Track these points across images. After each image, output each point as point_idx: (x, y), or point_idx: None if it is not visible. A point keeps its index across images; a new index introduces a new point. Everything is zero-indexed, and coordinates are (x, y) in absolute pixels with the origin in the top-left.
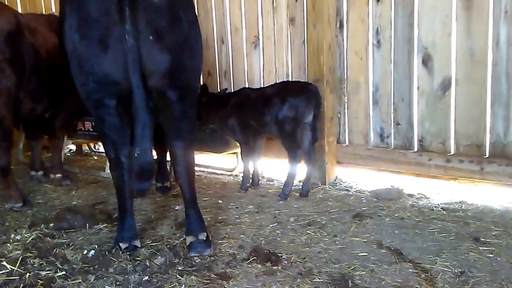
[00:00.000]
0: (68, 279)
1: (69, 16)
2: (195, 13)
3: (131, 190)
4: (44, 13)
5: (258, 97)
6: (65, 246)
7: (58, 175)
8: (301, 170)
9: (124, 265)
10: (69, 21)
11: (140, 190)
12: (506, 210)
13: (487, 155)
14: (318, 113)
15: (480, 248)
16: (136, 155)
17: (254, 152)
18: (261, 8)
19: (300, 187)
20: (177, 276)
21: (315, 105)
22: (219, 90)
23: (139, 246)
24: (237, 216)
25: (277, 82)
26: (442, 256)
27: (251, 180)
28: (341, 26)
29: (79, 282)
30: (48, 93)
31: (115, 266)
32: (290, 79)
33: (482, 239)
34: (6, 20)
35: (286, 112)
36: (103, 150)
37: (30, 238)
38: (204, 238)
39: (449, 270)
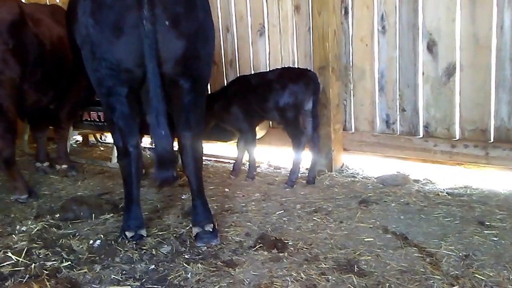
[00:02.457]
0: (74, 269)
1: (83, 0)
2: (208, 1)
3: (138, 180)
4: (48, 3)
5: (260, 83)
6: (71, 236)
7: (64, 166)
8: (307, 157)
9: (130, 254)
10: (83, 5)
11: (163, 179)
12: (510, 194)
13: (491, 140)
14: (317, 100)
15: (485, 231)
16: (153, 144)
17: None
18: None
19: (307, 174)
20: (184, 264)
21: (314, 92)
22: (225, 79)
23: (145, 235)
24: (244, 204)
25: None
26: (447, 240)
27: (240, 167)
28: (346, 13)
29: (85, 272)
30: (53, 84)
31: (121, 255)
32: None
33: (487, 223)
34: (9, 10)
35: (286, 98)
36: (110, 141)
37: (36, 229)
38: (211, 229)
39: (454, 253)
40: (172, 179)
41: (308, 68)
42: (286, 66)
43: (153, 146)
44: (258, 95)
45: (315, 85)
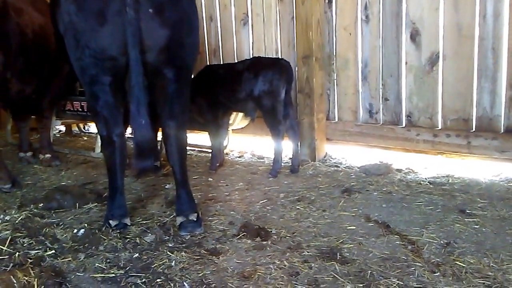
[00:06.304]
0: (58, 258)
1: None
2: None
3: (122, 169)
4: None
5: (229, 73)
6: (55, 225)
7: (48, 156)
8: (289, 147)
9: (114, 243)
10: None
11: (142, 168)
12: (491, 183)
13: (473, 129)
14: (290, 89)
15: (466, 219)
16: (132, 133)
17: (223, 130)
18: None
19: (290, 163)
20: (168, 253)
21: (287, 80)
22: None
23: (129, 224)
24: (227, 194)
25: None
26: (429, 228)
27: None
28: (330, 2)
29: (69, 260)
30: (36, 73)
31: (105, 244)
32: (280, 56)
33: (468, 211)
34: None
35: (261, 86)
36: (93, 130)
37: (20, 218)
38: (195, 219)
39: (435, 241)
40: (150, 169)
41: (283, 58)
42: (270, 55)
43: (133, 135)
44: (227, 86)
45: (288, 73)
